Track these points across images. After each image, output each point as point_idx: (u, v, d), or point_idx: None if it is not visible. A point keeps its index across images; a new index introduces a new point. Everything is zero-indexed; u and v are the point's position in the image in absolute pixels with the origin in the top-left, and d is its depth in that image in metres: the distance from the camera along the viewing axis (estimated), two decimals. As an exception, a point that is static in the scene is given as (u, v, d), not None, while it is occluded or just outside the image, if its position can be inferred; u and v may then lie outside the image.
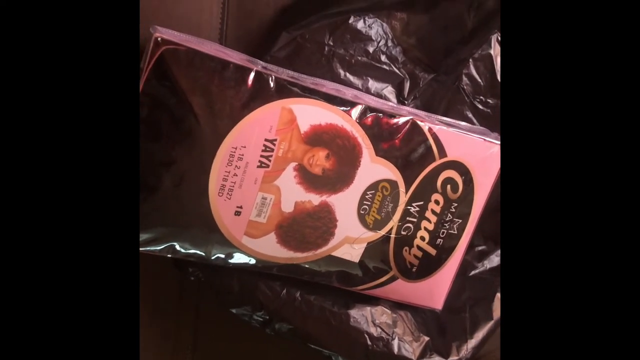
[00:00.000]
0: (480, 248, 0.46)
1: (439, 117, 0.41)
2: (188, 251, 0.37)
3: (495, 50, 0.41)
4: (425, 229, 0.40)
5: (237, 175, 0.36)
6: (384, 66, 0.42)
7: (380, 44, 0.41)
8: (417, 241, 0.41)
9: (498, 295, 0.44)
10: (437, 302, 0.43)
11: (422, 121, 0.38)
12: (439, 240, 0.41)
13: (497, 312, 0.44)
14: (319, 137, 0.37)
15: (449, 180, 0.40)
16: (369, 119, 0.37)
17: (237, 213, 0.37)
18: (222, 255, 0.38)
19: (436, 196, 0.40)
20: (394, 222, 0.40)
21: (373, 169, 0.38)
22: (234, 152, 0.35)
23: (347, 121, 0.37)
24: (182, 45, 0.34)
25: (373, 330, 0.41)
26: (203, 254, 0.37)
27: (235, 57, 0.36)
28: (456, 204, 0.40)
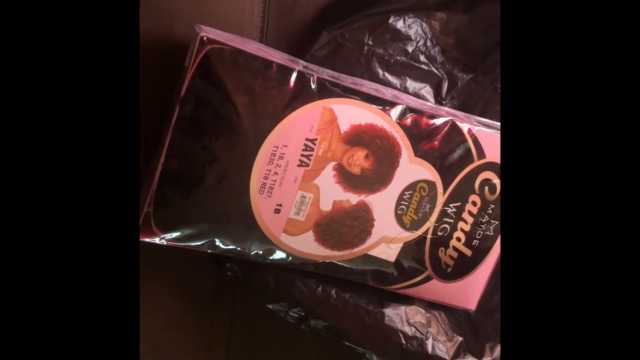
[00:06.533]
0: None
1: (478, 117, 0.40)
2: (228, 247, 0.38)
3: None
4: (462, 229, 0.40)
5: (277, 174, 0.36)
6: (423, 66, 0.41)
7: (419, 43, 0.41)
8: (453, 242, 0.41)
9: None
10: (471, 302, 0.43)
11: (461, 122, 0.38)
12: (474, 241, 0.41)
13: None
14: (359, 137, 0.37)
15: (486, 181, 0.40)
16: (409, 120, 0.37)
17: (277, 211, 0.37)
18: (261, 252, 0.38)
19: (473, 197, 0.40)
20: (430, 222, 0.40)
21: (411, 169, 0.38)
22: (276, 151, 0.36)
23: (386, 121, 0.37)
24: (227, 45, 0.34)
25: (407, 329, 0.41)
26: (242, 250, 0.38)
27: (278, 56, 0.36)
28: (493, 206, 0.40)
